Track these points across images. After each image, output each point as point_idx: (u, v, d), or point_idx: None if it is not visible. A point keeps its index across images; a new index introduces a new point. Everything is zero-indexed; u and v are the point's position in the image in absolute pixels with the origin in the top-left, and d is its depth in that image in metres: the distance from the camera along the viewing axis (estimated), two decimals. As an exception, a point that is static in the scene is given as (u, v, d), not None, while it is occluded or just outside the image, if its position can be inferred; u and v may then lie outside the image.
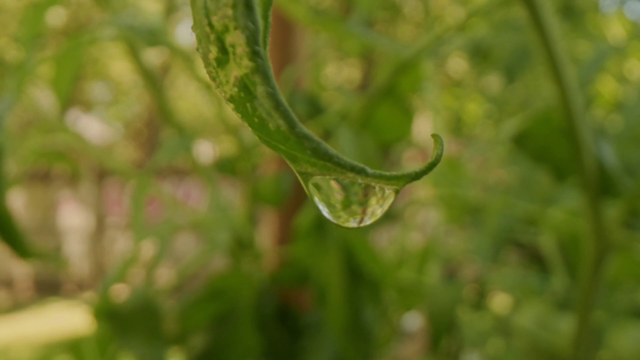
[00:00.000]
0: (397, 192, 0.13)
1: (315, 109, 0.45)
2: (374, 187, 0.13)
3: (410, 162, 0.88)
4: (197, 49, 0.12)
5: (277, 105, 0.11)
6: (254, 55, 0.11)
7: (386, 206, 0.13)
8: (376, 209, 0.13)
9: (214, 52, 0.12)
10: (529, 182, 0.71)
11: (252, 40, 0.11)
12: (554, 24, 0.30)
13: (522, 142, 0.39)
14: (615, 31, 0.97)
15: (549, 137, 0.38)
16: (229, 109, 0.12)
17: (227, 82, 0.12)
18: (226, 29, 0.11)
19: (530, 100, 0.91)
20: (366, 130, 0.44)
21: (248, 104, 0.12)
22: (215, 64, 0.12)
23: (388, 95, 0.43)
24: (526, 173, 0.73)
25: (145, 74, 0.47)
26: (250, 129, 0.12)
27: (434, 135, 0.13)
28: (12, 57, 0.46)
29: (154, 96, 0.48)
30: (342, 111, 0.44)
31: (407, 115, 0.45)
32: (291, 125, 0.11)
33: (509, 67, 0.77)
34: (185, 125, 0.49)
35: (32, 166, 0.52)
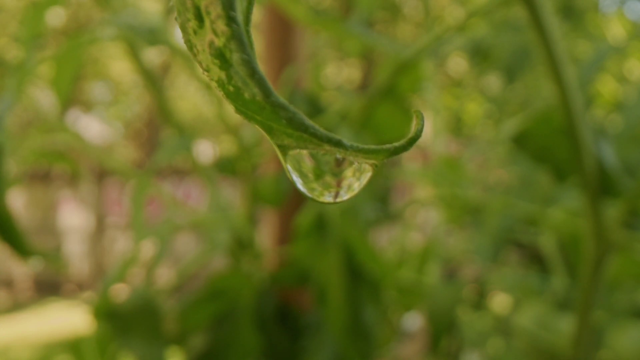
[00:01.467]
0: (375, 166, 0.13)
1: (315, 109, 0.45)
2: (352, 161, 0.13)
3: (411, 162, 0.88)
4: (176, 19, 0.12)
5: (253, 72, 0.11)
6: (230, 20, 0.11)
7: (364, 180, 0.13)
8: (353, 182, 0.13)
9: (191, 20, 0.11)
10: (529, 182, 0.71)
11: (227, 5, 0.11)
12: (554, 24, 0.30)
13: (522, 142, 0.39)
14: (615, 31, 0.97)
15: (549, 137, 0.38)
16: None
17: (204, 50, 0.11)
18: None
19: (530, 100, 0.91)
20: (366, 130, 0.44)
21: (224, 72, 0.11)
22: (192, 33, 0.12)
23: (388, 95, 0.43)
24: (526, 173, 0.73)
25: (145, 74, 0.47)
26: (226, 98, 0.12)
27: (415, 111, 0.12)
28: (12, 57, 0.46)
29: (154, 96, 0.48)
30: (342, 111, 0.44)
31: (407, 115, 0.45)
32: (266, 93, 0.11)
33: (509, 67, 0.77)
34: (185, 125, 0.49)
35: (32, 166, 0.52)
